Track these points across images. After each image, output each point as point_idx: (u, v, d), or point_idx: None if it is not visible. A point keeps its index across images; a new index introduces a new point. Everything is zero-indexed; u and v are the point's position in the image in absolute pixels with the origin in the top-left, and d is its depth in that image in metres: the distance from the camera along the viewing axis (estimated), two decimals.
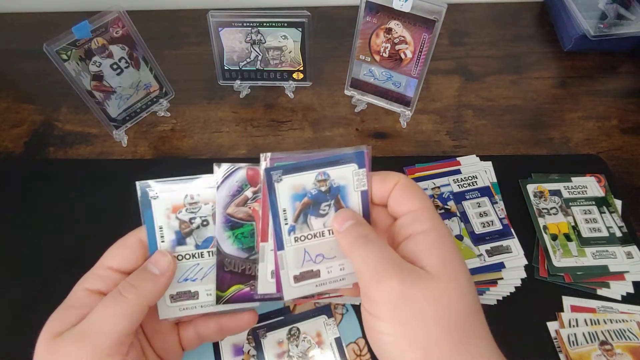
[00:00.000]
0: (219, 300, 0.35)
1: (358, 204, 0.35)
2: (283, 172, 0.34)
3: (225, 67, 0.63)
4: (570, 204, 0.54)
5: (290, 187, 0.34)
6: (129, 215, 0.55)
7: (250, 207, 0.35)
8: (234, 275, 0.35)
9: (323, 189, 0.35)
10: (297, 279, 0.34)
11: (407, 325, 0.28)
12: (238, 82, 0.65)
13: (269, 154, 0.33)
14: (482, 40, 0.73)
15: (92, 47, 0.54)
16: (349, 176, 0.35)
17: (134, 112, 0.61)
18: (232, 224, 0.35)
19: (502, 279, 0.48)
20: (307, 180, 0.34)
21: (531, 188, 0.55)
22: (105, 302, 0.31)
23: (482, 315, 0.31)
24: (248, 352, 0.45)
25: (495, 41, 0.73)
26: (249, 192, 0.34)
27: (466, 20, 0.76)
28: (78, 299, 0.32)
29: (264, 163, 0.34)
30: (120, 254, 0.34)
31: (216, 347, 0.46)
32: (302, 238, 0.35)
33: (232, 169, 0.34)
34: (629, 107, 0.65)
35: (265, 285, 0.35)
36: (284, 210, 0.34)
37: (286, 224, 0.34)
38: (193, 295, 0.36)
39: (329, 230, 0.35)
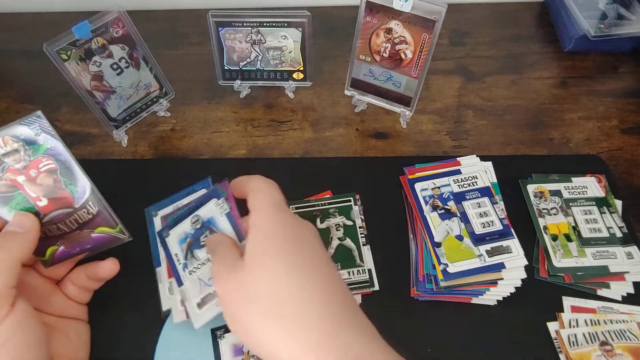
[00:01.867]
0: (45, 263, 0.42)
1: (227, 224, 0.44)
2: (168, 229, 0.46)
3: (225, 67, 0.63)
4: (570, 204, 0.54)
5: (176, 236, 0.45)
6: (129, 215, 0.55)
7: (7, 179, 0.38)
8: (42, 240, 0.40)
9: (198, 226, 0.45)
10: (200, 305, 0.42)
11: (235, 317, 0.35)
12: (238, 82, 0.65)
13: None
14: (482, 41, 0.73)
15: (92, 47, 0.54)
16: (213, 208, 0.46)
17: (134, 112, 0.61)
18: (3, 199, 0.39)
19: (502, 279, 0.48)
20: (185, 226, 0.45)
21: (531, 188, 0.55)
22: None
23: (316, 294, 0.33)
24: (248, 352, 0.45)
25: (495, 41, 0.73)
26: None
27: (466, 20, 0.76)
28: None
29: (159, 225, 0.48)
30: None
31: (216, 347, 0.46)
32: (194, 269, 0.43)
33: None
34: (629, 107, 0.65)
35: (177, 314, 0.43)
36: (176, 254, 0.45)
37: (179, 263, 0.44)
38: (214, 295, 0.42)
39: (208, 258, 0.46)
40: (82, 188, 0.43)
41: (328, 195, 0.55)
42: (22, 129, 0.37)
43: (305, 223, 0.38)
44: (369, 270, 0.50)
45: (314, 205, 0.54)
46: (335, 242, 0.51)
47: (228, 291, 0.35)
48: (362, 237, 0.52)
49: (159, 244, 0.49)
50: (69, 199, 0.41)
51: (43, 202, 0.40)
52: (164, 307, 0.45)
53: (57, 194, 0.40)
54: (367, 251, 0.51)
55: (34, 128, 0.38)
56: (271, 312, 0.32)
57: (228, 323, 0.36)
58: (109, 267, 0.44)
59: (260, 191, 0.38)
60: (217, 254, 0.38)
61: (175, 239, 0.47)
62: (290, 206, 0.54)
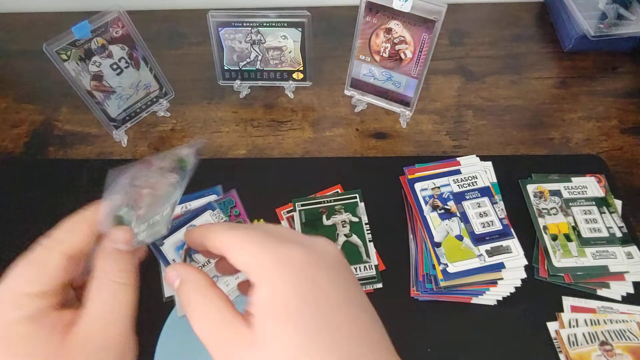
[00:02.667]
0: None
1: None
2: (162, 238, 0.49)
3: (225, 67, 0.63)
4: (570, 204, 0.54)
5: (172, 245, 0.50)
6: None
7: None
8: None
9: None
10: None
11: None
12: (238, 82, 0.65)
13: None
14: (482, 40, 0.73)
15: (92, 47, 0.54)
16: (209, 219, 0.51)
17: (133, 112, 0.61)
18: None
19: (502, 279, 0.48)
20: (181, 235, 0.49)
21: (531, 188, 0.55)
22: (107, 298, 0.29)
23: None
24: None
25: (495, 41, 0.73)
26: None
27: (466, 20, 0.76)
28: (22, 335, 0.26)
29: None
30: (42, 279, 0.29)
31: None
32: None
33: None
34: (629, 107, 0.65)
35: (181, 308, 0.45)
36: (173, 260, 0.49)
37: None
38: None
39: (208, 260, 0.49)
40: None
41: (335, 192, 0.56)
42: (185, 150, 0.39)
43: (321, 250, 0.29)
44: (376, 266, 0.50)
45: (320, 203, 0.54)
46: (341, 239, 0.52)
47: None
48: (368, 233, 0.52)
49: (154, 251, 0.51)
50: None
51: None
52: (166, 294, 0.48)
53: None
54: (373, 247, 0.51)
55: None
56: None
57: None
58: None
59: (233, 245, 0.29)
60: (192, 312, 0.29)
61: (171, 247, 0.51)
62: (296, 204, 0.54)
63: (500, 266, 0.48)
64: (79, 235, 0.30)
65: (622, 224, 0.52)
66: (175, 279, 0.30)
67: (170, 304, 0.49)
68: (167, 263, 0.50)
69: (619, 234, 0.51)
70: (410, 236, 0.53)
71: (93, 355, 0.26)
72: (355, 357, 0.25)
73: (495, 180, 0.56)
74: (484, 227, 0.51)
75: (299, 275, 0.26)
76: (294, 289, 0.26)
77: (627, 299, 0.48)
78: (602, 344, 0.44)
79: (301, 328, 0.25)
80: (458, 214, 0.52)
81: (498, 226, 0.51)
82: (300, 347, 0.25)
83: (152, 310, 0.48)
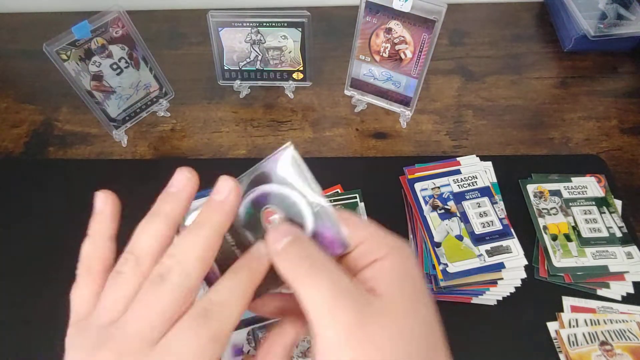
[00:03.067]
0: None
1: None
2: None
3: (225, 67, 0.63)
4: (570, 204, 0.54)
5: None
6: (128, 215, 0.55)
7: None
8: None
9: None
10: None
11: None
12: (238, 82, 0.65)
13: None
14: (482, 40, 0.73)
15: (91, 47, 0.54)
16: None
17: (133, 112, 0.61)
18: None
19: (502, 279, 0.48)
20: None
21: (531, 188, 0.55)
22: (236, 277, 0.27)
23: (442, 347, 0.27)
24: (248, 352, 0.45)
25: (495, 41, 0.73)
26: None
27: (466, 20, 0.76)
28: None
29: None
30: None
31: None
32: None
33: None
34: (629, 107, 0.65)
35: None
36: None
37: None
38: None
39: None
40: None
41: (335, 192, 0.56)
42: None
43: (407, 244, 0.30)
44: None
45: None
46: None
47: (365, 340, 0.25)
48: None
49: None
50: None
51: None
52: None
53: None
54: None
55: None
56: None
57: None
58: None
59: (355, 217, 0.29)
60: (318, 267, 0.26)
61: None
62: None
63: (500, 266, 0.48)
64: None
65: (622, 224, 0.52)
66: (286, 235, 0.27)
67: None
68: None
69: (619, 234, 0.51)
70: (410, 236, 0.53)
71: None
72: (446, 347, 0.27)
73: (495, 180, 0.56)
74: (484, 227, 0.51)
75: (414, 260, 0.28)
76: (417, 271, 0.28)
77: (627, 299, 0.48)
78: (602, 344, 0.44)
79: (423, 301, 0.27)
80: (458, 214, 0.52)
81: (498, 226, 0.51)
82: (424, 317, 0.26)
83: None
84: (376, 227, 0.29)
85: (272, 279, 0.29)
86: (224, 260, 0.30)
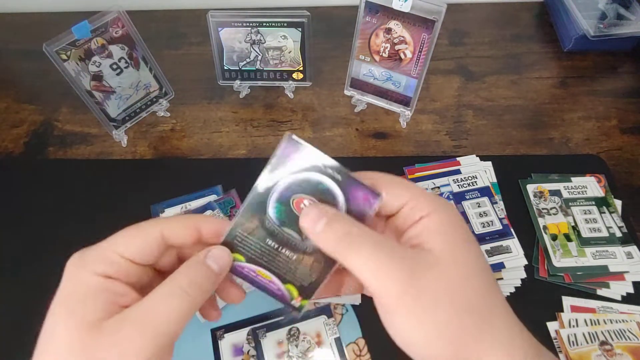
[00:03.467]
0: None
1: None
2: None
3: (225, 67, 0.63)
4: (570, 204, 0.54)
5: None
6: (129, 215, 0.55)
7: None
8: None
9: None
10: None
11: (427, 317, 0.26)
12: (238, 82, 0.65)
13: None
14: (482, 40, 0.73)
15: (91, 47, 0.54)
16: None
17: (133, 112, 0.61)
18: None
19: (502, 279, 0.48)
20: None
21: (531, 188, 0.55)
22: (166, 297, 0.27)
23: (497, 290, 0.29)
24: (248, 352, 0.45)
25: (495, 41, 0.73)
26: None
27: (466, 20, 0.76)
28: (91, 286, 0.28)
29: None
30: (137, 245, 0.29)
31: (216, 347, 0.46)
32: None
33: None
34: (629, 107, 0.65)
35: None
36: None
37: None
38: None
39: None
40: None
41: None
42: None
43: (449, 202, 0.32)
44: None
45: None
46: None
47: (420, 296, 0.26)
48: None
49: None
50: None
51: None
52: None
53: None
54: None
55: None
56: (467, 311, 0.26)
57: (396, 323, 0.27)
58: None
59: (400, 180, 0.30)
60: (358, 240, 0.27)
61: None
62: None
63: (500, 266, 0.48)
64: (183, 228, 0.30)
65: (622, 224, 0.52)
66: (322, 217, 0.28)
67: None
68: None
69: (618, 234, 0.51)
70: None
71: (114, 350, 0.26)
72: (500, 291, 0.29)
73: (495, 180, 0.56)
74: (483, 227, 0.51)
75: (458, 215, 0.29)
76: (463, 224, 0.29)
77: (627, 299, 0.48)
78: (602, 343, 0.44)
79: (471, 248, 0.28)
80: None
81: (498, 226, 0.51)
82: (475, 263, 0.28)
83: None
84: (419, 188, 0.30)
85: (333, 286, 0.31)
86: (274, 264, 0.31)
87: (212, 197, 0.55)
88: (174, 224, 0.30)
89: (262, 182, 0.29)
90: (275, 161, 0.29)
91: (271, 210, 0.29)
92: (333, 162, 0.29)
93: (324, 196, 0.29)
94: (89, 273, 0.28)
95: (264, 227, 0.30)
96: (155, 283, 0.29)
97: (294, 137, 0.28)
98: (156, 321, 0.27)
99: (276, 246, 0.30)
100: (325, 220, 0.28)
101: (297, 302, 0.31)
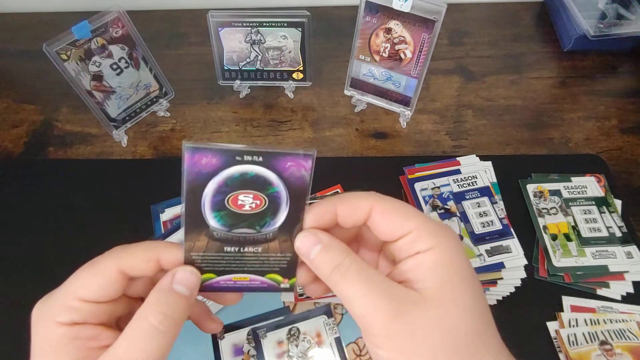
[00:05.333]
0: None
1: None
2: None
3: (225, 67, 0.63)
4: (570, 204, 0.54)
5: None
6: (129, 215, 0.55)
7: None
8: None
9: None
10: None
11: (410, 354, 0.26)
12: (238, 82, 0.65)
13: None
14: (482, 40, 0.73)
15: (91, 47, 0.54)
16: None
17: (133, 112, 0.61)
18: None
19: (502, 279, 0.48)
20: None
21: (531, 188, 0.55)
22: (141, 340, 0.26)
23: (492, 329, 0.28)
24: (248, 352, 0.45)
25: (495, 41, 0.73)
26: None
27: (466, 20, 0.76)
28: (59, 337, 0.27)
29: None
30: (97, 285, 0.28)
31: (216, 347, 0.46)
32: None
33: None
34: (629, 107, 0.65)
35: None
36: None
37: None
38: None
39: None
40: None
41: (335, 192, 0.56)
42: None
43: (453, 231, 0.30)
44: None
45: None
46: None
47: (403, 331, 0.26)
48: None
49: None
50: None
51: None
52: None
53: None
54: None
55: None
56: (453, 353, 0.26)
57: (381, 358, 0.27)
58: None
59: (406, 208, 0.29)
60: (350, 273, 0.27)
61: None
62: None
63: (500, 266, 0.48)
64: (143, 260, 0.29)
65: (622, 224, 0.52)
66: (315, 244, 0.28)
67: None
68: None
69: (618, 234, 0.51)
70: None
71: None
72: (496, 331, 0.29)
73: (495, 180, 0.56)
74: (483, 226, 0.51)
75: (460, 250, 0.28)
76: (463, 260, 0.28)
77: (627, 299, 0.48)
78: (602, 343, 0.44)
79: (468, 291, 0.27)
80: (458, 214, 0.52)
81: (498, 226, 0.51)
82: (469, 307, 0.27)
83: None
84: (424, 218, 0.29)
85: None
86: (245, 266, 0.30)
87: None
88: (130, 258, 0.29)
89: (186, 201, 0.28)
90: (188, 176, 0.28)
91: (212, 222, 0.29)
92: (243, 147, 0.27)
93: (256, 184, 0.28)
94: (54, 324, 0.27)
95: (215, 239, 0.29)
96: (132, 308, 0.29)
97: (190, 143, 0.27)
98: None
99: (237, 249, 0.30)
100: (320, 247, 0.28)
101: (285, 284, 0.31)
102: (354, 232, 0.32)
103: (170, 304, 0.27)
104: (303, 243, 0.29)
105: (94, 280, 0.28)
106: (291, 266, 0.31)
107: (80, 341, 0.27)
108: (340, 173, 0.57)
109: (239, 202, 0.28)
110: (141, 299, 0.30)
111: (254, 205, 0.29)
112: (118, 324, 0.30)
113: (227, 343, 0.46)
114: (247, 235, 0.29)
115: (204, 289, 0.31)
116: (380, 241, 0.31)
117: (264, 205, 0.29)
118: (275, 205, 0.29)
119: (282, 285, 0.32)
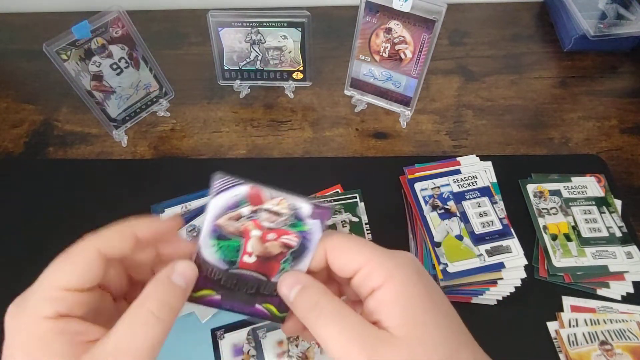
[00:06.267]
0: (188, 299, 0.34)
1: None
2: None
3: (225, 67, 0.63)
4: (570, 204, 0.54)
5: None
6: (129, 215, 0.55)
7: (242, 225, 0.33)
8: (207, 280, 0.33)
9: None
10: None
11: None
12: (238, 82, 0.65)
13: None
14: (482, 40, 0.73)
15: (91, 47, 0.54)
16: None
17: (133, 112, 0.61)
18: (219, 235, 0.34)
19: (502, 279, 0.48)
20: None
21: (531, 188, 0.55)
22: (139, 326, 0.26)
23: (465, 345, 0.28)
24: (248, 352, 0.45)
25: (495, 41, 0.73)
26: (245, 210, 0.33)
27: (466, 20, 0.76)
28: (44, 332, 0.26)
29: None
30: (79, 270, 0.27)
31: (216, 347, 0.46)
32: None
33: (233, 183, 0.34)
34: (629, 107, 0.65)
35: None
36: None
37: None
38: None
39: None
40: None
41: (334, 191, 0.56)
42: (306, 207, 0.34)
43: (410, 258, 0.30)
44: None
45: None
46: None
47: None
48: (368, 233, 0.52)
49: None
50: (273, 272, 0.34)
51: (250, 259, 0.34)
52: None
53: (270, 263, 0.34)
54: None
55: (315, 213, 0.34)
56: None
57: None
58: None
59: (353, 242, 0.29)
60: (325, 314, 0.27)
61: None
62: None
63: (500, 266, 0.48)
64: (118, 238, 0.29)
65: (622, 224, 0.52)
66: (295, 285, 0.29)
67: None
68: None
69: (618, 234, 0.51)
70: (410, 236, 0.53)
71: None
72: (471, 347, 0.28)
73: (495, 180, 0.56)
74: (483, 226, 0.51)
75: (418, 276, 0.28)
76: (422, 288, 0.27)
77: (627, 299, 0.48)
78: (602, 343, 0.44)
79: (432, 319, 0.27)
80: (458, 214, 0.52)
81: (498, 226, 0.51)
82: (435, 337, 0.26)
83: None
84: (373, 250, 0.28)
85: None
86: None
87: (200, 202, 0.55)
88: (108, 237, 0.29)
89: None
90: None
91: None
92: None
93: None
94: (38, 319, 0.26)
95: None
96: (107, 303, 0.29)
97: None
98: (133, 354, 0.25)
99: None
100: (299, 288, 0.29)
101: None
102: (327, 273, 0.32)
103: (168, 294, 0.28)
104: (284, 284, 0.29)
105: (75, 267, 0.27)
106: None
107: (68, 335, 0.26)
108: (340, 173, 0.57)
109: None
110: (124, 299, 0.31)
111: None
112: (98, 319, 0.29)
113: (227, 343, 0.46)
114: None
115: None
116: (345, 282, 0.31)
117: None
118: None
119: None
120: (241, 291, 0.33)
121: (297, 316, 0.29)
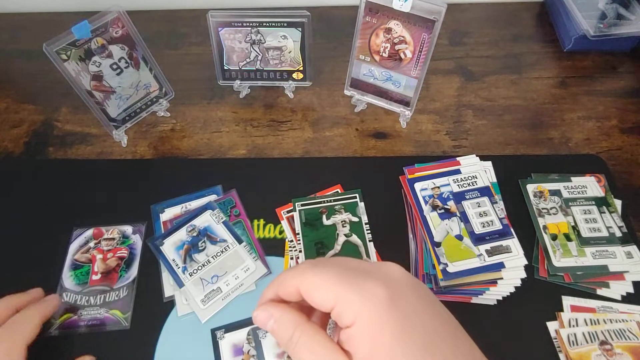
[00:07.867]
0: (51, 327, 0.48)
1: (225, 231, 0.52)
2: (162, 238, 0.52)
3: (225, 67, 0.63)
4: (570, 203, 0.54)
5: (172, 244, 0.52)
6: (128, 215, 0.55)
7: (90, 254, 0.51)
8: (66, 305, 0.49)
9: (194, 234, 0.52)
10: (204, 301, 0.48)
11: None
12: (238, 82, 0.65)
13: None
14: (482, 40, 0.73)
15: (91, 47, 0.54)
16: (209, 218, 0.53)
17: (133, 112, 0.61)
18: (75, 266, 0.50)
19: (502, 279, 0.48)
20: (181, 234, 0.52)
21: (531, 188, 0.55)
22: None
23: None
24: (248, 352, 0.45)
25: (495, 41, 0.73)
26: (91, 244, 0.52)
27: (466, 20, 0.76)
28: None
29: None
30: None
31: (216, 347, 0.46)
32: (195, 271, 0.49)
33: (82, 231, 0.53)
34: (629, 107, 0.65)
35: (182, 307, 0.48)
36: (173, 260, 0.50)
37: (178, 267, 0.50)
38: (218, 291, 0.49)
39: (212, 257, 0.51)
40: (129, 276, 0.50)
41: (334, 191, 0.56)
42: (128, 228, 0.53)
43: (395, 277, 0.30)
44: None
45: (320, 202, 0.54)
46: (341, 239, 0.52)
47: None
48: (368, 233, 0.52)
49: (154, 251, 0.51)
50: (114, 281, 0.50)
51: (96, 277, 0.50)
52: (166, 294, 0.50)
53: (110, 275, 0.50)
54: (373, 247, 0.51)
55: (135, 230, 0.53)
56: None
57: None
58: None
59: (323, 284, 0.30)
60: (298, 348, 0.30)
61: (171, 246, 0.51)
62: (296, 204, 0.54)
63: (500, 266, 0.48)
64: (35, 330, 0.43)
65: (622, 224, 0.52)
66: (269, 319, 0.31)
67: (170, 304, 0.49)
68: (167, 262, 0.50)
69: (618, 234, 0.51)
70: (410, 236, 0.53)
71: None
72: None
73: (495, 180, 0.56)
74: (483, 226, 0.51)
75: (386, 309, 0.28)
76: (393, 317, 0.28)
77: (627, 299, 0.48)
78: (602, 343, 0.44)
79: (402, 354, 0.27)
80: (458, 214, 0.52)
81: (498, 226, 0.51)
82: None
83: (152, 310, 0.48)
84: (341, 287, 0.29)
85: None
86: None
87: (212, 197, 0.55)
88: (30, 335, 0.42)
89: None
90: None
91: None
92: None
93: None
94: None
95: None
96: None
97: None
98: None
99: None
100: (273, 321, 0.31)
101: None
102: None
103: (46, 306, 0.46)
104: (258, 319, 0.31)
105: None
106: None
107: None
108: (340, 173, 0.57)
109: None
110: None
111: None
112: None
113: (227, 343, 0.46)
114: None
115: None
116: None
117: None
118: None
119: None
120: (94, 305, 0.48)
121: (276, 340, 0.31)
